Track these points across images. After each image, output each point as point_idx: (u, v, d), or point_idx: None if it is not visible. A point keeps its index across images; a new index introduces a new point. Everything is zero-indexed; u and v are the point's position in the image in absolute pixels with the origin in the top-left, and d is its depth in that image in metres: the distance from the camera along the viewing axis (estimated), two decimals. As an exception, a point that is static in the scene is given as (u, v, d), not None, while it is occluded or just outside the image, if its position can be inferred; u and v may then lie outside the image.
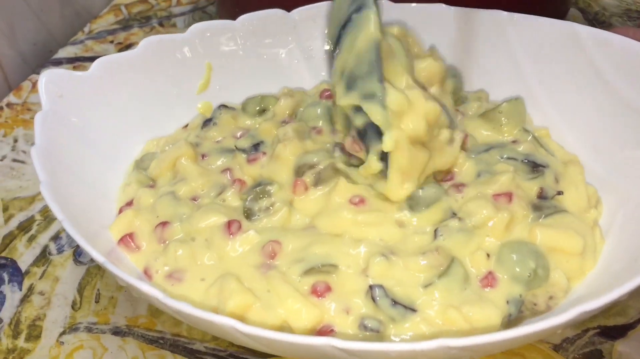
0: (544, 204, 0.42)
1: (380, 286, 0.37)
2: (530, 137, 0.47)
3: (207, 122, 0.52)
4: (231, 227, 0.41)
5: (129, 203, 0.46)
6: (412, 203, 0.41)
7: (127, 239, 0.42)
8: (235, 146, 0.48)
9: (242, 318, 0.35)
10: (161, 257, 0.41)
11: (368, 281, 0.38)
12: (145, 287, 0.32)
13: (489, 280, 0.38)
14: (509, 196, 0.41)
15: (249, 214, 0.42)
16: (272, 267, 0.39)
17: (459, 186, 0.43)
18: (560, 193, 0.44)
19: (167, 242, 0.42)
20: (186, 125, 0.53)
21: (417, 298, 0.37)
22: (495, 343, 0.28)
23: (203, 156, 0.49)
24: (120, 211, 0.45)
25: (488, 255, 0.39)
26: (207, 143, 0.50)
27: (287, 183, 0.44)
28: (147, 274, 0.41)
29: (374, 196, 0.42)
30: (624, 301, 0.42)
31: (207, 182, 0.46)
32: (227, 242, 0.40)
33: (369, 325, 0.36)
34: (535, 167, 0.45)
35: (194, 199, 0.45)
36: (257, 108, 0.53)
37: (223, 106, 0.53)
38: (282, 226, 0.42)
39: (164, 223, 0.43)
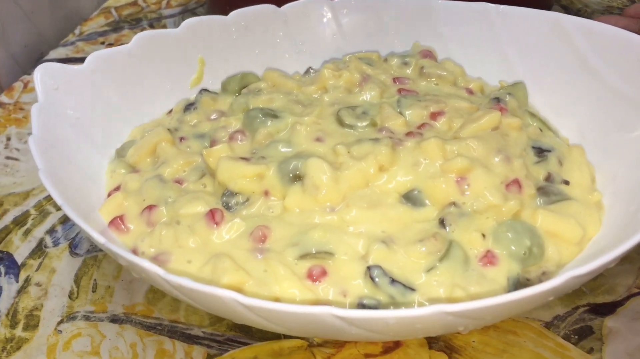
0: (551, 189, 0.43)
1: (379, 266, 0.37)
2: (535, 123, 0.48)
3: (188, 107, 0.53)
4: (215, 216, 0.41)
5: (117, 188, 0.46)
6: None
7: (118, 221, 0.43)
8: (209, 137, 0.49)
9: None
10: (147, 238, 0.41)
11: (366, 264, 0.38)
12: (146, 264, 0.32)
13: (488, 258, 0.38)
14: (518, 184, 0.41)
15: (226, 207, 0.42)
16: (265, 250, 0.39)
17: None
18: (566, 182, 0.44)
19: (154, 225, 0.42)
20: (171, 111, 0.54)
21: (417, 280, 0.37)
22: (491, 308, 0.29)
23: (181, 139, 0.49)
24: (109, 195, 0.46)
25: (483, 235, 0.39)
26: (185, 127, 0.51)
27: None
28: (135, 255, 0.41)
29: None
30: (613, 279, 0.43)
31: (187, 164, 0.46)
32: (213, 231, 0.40)
33: (368, 304, 0.37)
34: (540, 152, 0.45)
35: (179, 182, 0.45)
36: (238, 86, 0.54)
37: (204, 90, 0.54)
38: (263, 215, 0.42)
39: (150, 207, 0.43)
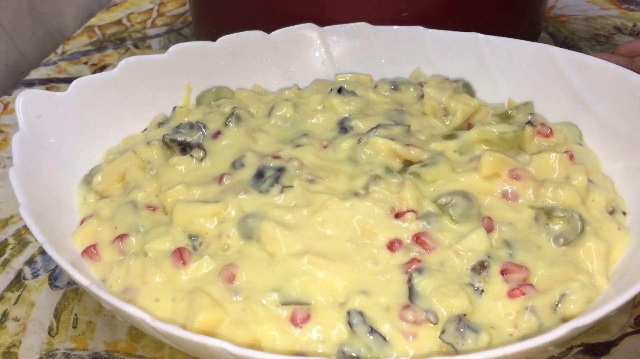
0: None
1: (360, 313, 0.36)
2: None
3: (162, 124, 0.52)
4: (183, 255, 0.39)
5: (91, 215, 0.45)
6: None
7: (92, 250, 0.42)
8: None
9: (211, 334, 0.34)
10: (115, 268, 0.40)
11: (347, 309, 0.37)
12: (132, 310, 0.31)
13: None
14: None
15: (193, 247, 0.41)
16: (240, 290, 0.38)
17: None
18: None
19: (126, 254, 0.41)
20: (145, 129, 0.52)
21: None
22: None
23: (148, 162, 0.48)
24: (82, 221, 0.44)
25: None
26: None
27: None
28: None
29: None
30: (606, 319, 0.43)
31: (159, 187, 0.45)
32: (180, 270, 0.39)
33: (348, 352, 0.35)
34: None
35: (152, 208, 0.44)
36: (212, 101, 0.54)
37: (178, 107, 0.53)
38: (226, 255, 0.40)
39: (122, 236, 0.42)
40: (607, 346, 0.41)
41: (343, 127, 0.48)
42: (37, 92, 0.47)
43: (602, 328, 0.42)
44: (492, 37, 0.53)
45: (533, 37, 0.69)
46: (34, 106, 0.46)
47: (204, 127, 0.48)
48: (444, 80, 0.53)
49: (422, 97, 0.51)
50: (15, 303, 0.46)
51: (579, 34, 0.77)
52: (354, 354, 0.35)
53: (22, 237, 0.52)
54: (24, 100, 0.45)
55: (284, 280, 0.38)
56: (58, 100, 0.47)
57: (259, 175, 0.44)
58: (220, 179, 0.44)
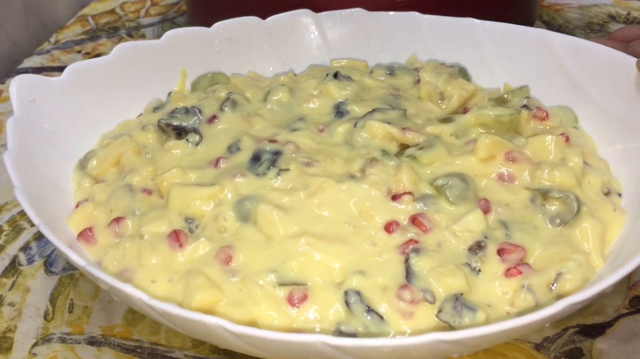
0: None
1: (357, 292, 0.36)
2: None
3: (157, 109, 0.52)
4: (180, 237, 0.39)
5: (86, 199, 0.45)
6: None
7: (87, 233, 0.41)
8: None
9: (208, 314, 0.34)
10: (111, 251, 0.40)
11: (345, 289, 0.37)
12: (129, 289, 0.31)
13: None
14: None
15: (189, 230, 0.41)
16: (237, 271, 0.38)
17: None
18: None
19: (122, 237, 0.41)
20: (140, 114, 0.52)
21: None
22: (486, 336, 0.28)
23: (144, 146, 0.48)
24: (77, 205, 0.44)
25: None
26: None
27: None
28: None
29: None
30: (602, 300, 0.43)
31: (155, 171, 0.45)
32: (176, 252, 0.39)
33: (346, 331, 0.35)
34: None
35: (148, 192, 0.43)
36: (208, 86, 0.53)
37: (174, 92, 0.53)
38: (223, 237, 0.40)
39: (118, 219, 0.42)
40: (602, 327, 0.42)
41: (339, 112, 0.48)
42: (31, 77, 0.46)
43: (598, 310, 0.43)
44: (487, 22, 0.53)
45: (527, 25, 0.69)
46: (28, 91, 0.45)
47: (200, 111, 0.48)
48: (440, 65, 0.53)
49: (418, 82, 0.51)
50: (11, 288, 0.46)
51: (573, 22, 0.77)
52: (351, 333, 0.35)
53: (17, 224, 0.52)
54: (18, 85, 0.45)
55: (281, 261, 0.38)
56: (52, 85, 0.47)
57: (256, 158, 0.44)
58: (216, 163, 0.44)
